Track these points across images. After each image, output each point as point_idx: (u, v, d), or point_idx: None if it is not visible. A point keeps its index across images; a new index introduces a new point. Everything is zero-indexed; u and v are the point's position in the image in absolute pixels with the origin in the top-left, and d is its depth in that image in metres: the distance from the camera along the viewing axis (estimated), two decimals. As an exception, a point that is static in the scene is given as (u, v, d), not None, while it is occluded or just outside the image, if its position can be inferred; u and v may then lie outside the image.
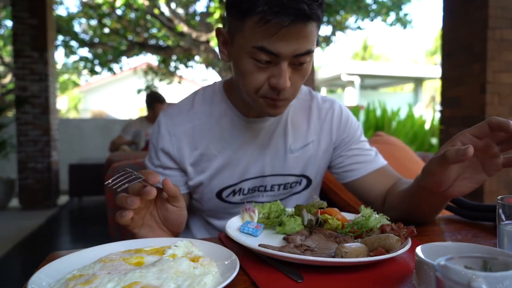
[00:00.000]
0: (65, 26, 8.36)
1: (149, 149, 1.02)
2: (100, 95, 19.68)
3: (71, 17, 8.54)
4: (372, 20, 8.68)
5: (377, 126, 6.31)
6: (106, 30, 8.93)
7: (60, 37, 8.54)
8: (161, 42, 9.15)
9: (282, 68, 0.78)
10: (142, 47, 8.70)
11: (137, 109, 17.02)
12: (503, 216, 0.59)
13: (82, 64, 9.49)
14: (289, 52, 0.76)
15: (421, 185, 0.78)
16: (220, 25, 6.17)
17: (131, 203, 0.65)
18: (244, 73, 0.82)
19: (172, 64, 9.87)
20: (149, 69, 10.36)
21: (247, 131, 0.98)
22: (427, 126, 6.37)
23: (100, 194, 5.35)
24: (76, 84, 15.81)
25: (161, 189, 0.72)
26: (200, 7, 12.91)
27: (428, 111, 18.17)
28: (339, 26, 8.68)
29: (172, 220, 0.75)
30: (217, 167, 0.97)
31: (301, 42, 0.76)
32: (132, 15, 8.36)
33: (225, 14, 0.96)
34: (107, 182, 0.68)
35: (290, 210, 0.84)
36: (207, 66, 9.08)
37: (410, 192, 0.85)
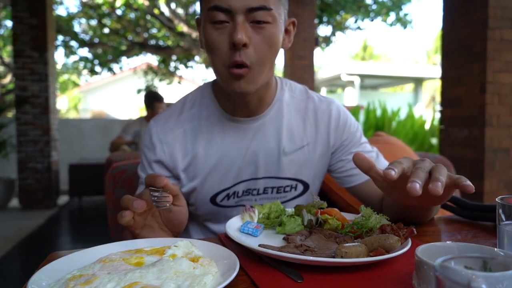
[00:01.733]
0: (65, 26, 8.37)
1: (141, 158, 1.00)
2: (100, 95, 19.68)
3: (71, 17, 8.55)
4: (372, 20, 8.69)
5: (377, 126, 6.31)
6: (106, 30, 8.94)
7: (60, 37, 8.55)
8: (161, 42, 9.16)
9: (237, 22, 0.78)
10: (142, 47, 8.71)
11: (137, 109, 17.03)
12: (503, 216, 0.59)
13: (82, 64, 9.51)
14: (240, 5, 0.77)
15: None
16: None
17: (137, 206, 0.65)
18: (208, 43, 0.83)
19: (172, 64, 9.88)
20: (149, 69, 10.37)
21: (236, 132, 0.95)
22: (427, 126, 6.37)
23: (100, 194, 5.35)
24: (76, 84, 15.83)
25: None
26: (200, 7, 12.89)
27: (428, 111, 18.18)
28: (339, 27, 8.68)
29: (175, 219, 0.75)
30: (209, 170, 0.95)
31: None
32: (132, 15, 8.37)
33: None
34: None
35: (290, 210, 0.84)
36: (207, 66, 9.10)
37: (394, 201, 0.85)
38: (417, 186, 0.58)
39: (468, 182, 0.60)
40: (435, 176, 0.59)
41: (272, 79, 0.97)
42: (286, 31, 0.91)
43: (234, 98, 0.91)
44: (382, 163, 1.02)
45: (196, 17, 0.92)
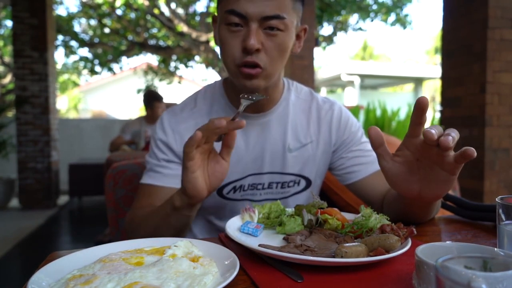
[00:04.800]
0: (65, 26, 8.37)
1: (151, 144, 1.02)
2: (100, 95, 19.67)
3: (71, 17, 8.54)
4: (372, 20, 8.69)
5: (377, 126, 6.30)
6: (106, 30, 8.93)
7: (60, 37, 8.54)
8: (161, 42, 9.16)
9: (251, 28, 0.82)
10: (142, 47, 8.70)
11: (137, 109, 17.02)
12: (503, 216, 0.59)
13: (82, 64, 9.50)
14: (256, 12, 0.81)
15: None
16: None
17: (218, 122, 0.69)
18: (222, 43, 0.87)
19: (172, 64, 9.88)
20: (149, 69, 10.37)
21: (245, 127, 0.98)
22: (427, 126, 6.36)
23: (100, 194, 5.35)
24: (76, 84, 15.80)
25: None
26: (200, 7, 12.90)
27: (428, 111, 18.14)
28: (340, 27, 8.68)
29: (218, 173, 0.78)
30: None
31: (268, 4, 0.82)
32: (132, 15, 8.37)
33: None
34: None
35: (290, 210, 0.84)
36: (207, 66, 9.09)
37: (396, 196, 0.86)
38: (433, 131, 0.59)
39: (470, 149, 0.59)
40: (448, 132, 0.61)
41: (280, 80, 1.02)
42: (297, 36, 0.95)
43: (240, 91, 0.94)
44: None
45: (213, 14, 0.96)
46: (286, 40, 0.86)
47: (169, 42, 9.01)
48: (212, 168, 0.78)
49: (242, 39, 0.84)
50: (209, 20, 7.30)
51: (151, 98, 4.01)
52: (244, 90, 0.91)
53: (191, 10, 8.85)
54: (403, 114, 6.95)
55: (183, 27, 7.56)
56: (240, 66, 0.86)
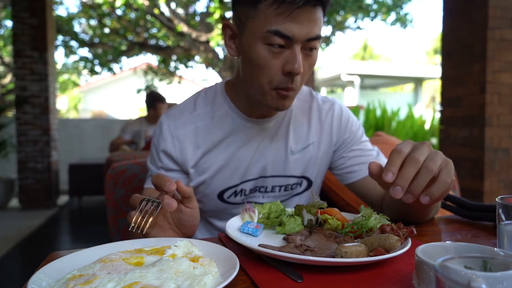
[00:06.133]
0: (65, 26, 8.37)
1: (151, 150, 1.01)
2: (100, 95, 19.67)
3: (71, 17, 8.54)
4: (372, 20, 8.68)
5: (377, 126, 6.30)
6: (106, 30, 8.93)
7: (60, 37, 8.54)
8: (161, 42, 9.15)
9: (296, 52, 0.79)
10: (142, 47, 8.70)
11: (137, 109, 17.02)
12: (503, 216, 0.59)
13: (82, 64, 9.50)
14: (302, 35, 0.78)
15: None
16: (220, 24, 6.16)
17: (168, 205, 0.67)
18: (258, 62, 0.82)
19: (172, 64, 9.87)
20: (149, 69, 10.37)
21: (249, 132, 0.98)
22: (427, 126, 6.36)
23: (100, 194, 5.34)
24: (76, 84, 15.81)
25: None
26: (200, 7, 12.92)
27: (428, 111, 18.17)
28: (339, 26, 8.67)
29: (186, 221, 0.75)
30: (218, 167, 0.97)
31: (311, 25, 0.79)
32: (132, 15, 8.36)
33: (225, 13, 0.97)
34: (130, 228, 0.68)
35: (290, 210, 0.84)
36: (207, 66, 9.08)
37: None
38: (388, 176, 0.61)
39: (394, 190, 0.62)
40: (397, 182, 0.62)
41: None
42: None
43: (264, 107, 0.92)
44: (382, 162, 1.03)
45: (225, 21, 0.90)
46: (317, 57, 0.85)
47: (169, 42, 9.00)
48: (178, 218, 0.76)
49: (285, 61, 0.80)
50: (210, 20, 7.31)
51: (154, 99, 4.01)
52: (273, 108, 0.88)
53: (191, 10, 8.85)
54: (403, 114, 6.95)
55: (183, 27, 7.55)
56: (277, 88, 0.83)
